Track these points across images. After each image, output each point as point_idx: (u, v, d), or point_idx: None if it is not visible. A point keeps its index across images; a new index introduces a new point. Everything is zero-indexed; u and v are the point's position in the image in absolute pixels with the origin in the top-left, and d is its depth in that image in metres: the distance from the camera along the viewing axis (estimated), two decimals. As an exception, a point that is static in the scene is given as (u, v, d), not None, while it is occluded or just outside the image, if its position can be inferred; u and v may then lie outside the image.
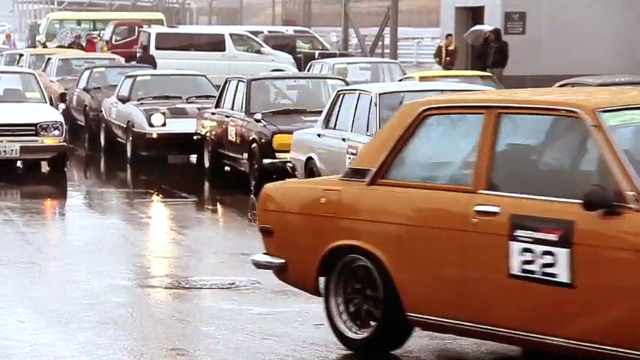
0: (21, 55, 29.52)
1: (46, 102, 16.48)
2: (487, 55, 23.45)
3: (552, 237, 5.90)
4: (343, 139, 12.08)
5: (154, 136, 16.75)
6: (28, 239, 11.25)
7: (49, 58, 24.35)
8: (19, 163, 16.21)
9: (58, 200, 14.38)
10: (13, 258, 10.27)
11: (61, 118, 15.85)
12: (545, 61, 26.98)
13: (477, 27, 24.98)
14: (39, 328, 7.65)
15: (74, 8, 60.93)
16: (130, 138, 17.28)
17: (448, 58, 24.92)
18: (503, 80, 21.64)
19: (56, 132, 15.53)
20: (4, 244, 11.10)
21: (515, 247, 6.03)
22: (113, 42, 35.62)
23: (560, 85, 15.36)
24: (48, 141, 15.50)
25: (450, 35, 26.02)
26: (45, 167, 16.15)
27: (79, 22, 42.74)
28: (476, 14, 28.35)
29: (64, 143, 15.76)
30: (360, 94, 12.22)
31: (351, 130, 12.05)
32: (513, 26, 26.34)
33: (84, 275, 9.49)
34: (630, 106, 6.24)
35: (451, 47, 25.27)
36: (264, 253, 7.35)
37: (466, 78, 17.60)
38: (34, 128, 15.47)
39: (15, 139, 15.40)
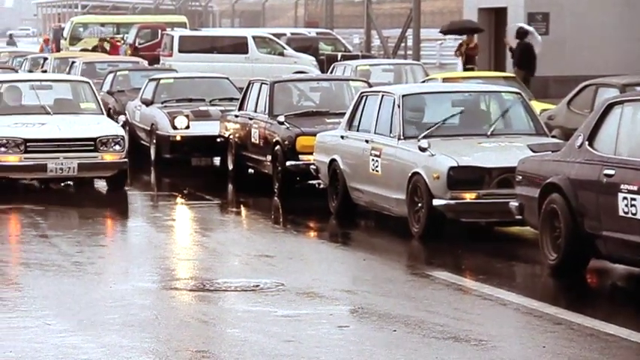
0: (45, 59, 29.65)
1: (103, 113, 15.07)
2: (514, 55, 23.40)
3: None
4: (366, 141, 12.08)
5: (178, 138, 16.78)
6: (53, 242, 11.31)
7: (73, 62, 24.43)
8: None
9: (83, 203, 14.38)
10: (38, 261, 10.33)
11: (122, 132, 14.42)
12: (568, 61, 26.84)
13: (518, 24, 24.79)
14: (65, 331, 7.69)
15: (98, 12, 61.17)
16: (154, 141, 17.32)
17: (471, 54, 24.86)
18: (529, 82, 21.48)
19: (117, 147, 14.07)
20: (30, 247, 11.16)
21: None
22: (136, 45, 35.71)
23: (585, 86, 15.32)
24: (108, 157, 14.05)
25: (469, 32, 25.84)
26: (98, 183, 14.87)
27: (102, 25, 42.89)
28: (499, 15, 28.25)
29: (126, 159, 14.26)
30: (383, 95, 12.21)
31: (375, 132, 12.04)
32: (537, 27, 26.17)
33: (109, 277, 9.53)
34: None
35: (472, 45, 25.22)
36: None
37: (489, 79, 17.55)
38: (92, 143, 14.03)
39: (72, 155, 13.95)
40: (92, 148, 14.02)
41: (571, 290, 9.12)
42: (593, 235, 8.95)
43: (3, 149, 13.95)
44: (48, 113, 14.66)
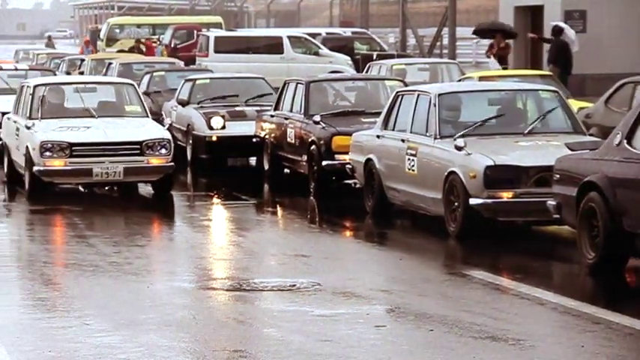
0: (82, 60, 29.83)
1: (148, 116, 14.69)
2: (549, 51, 23.27)
3: None
4: (402, 140, 12.06)
5: (214, 138, 16.82)
6: (91, 242, 11.38)
7: (110, 63, 24.56)
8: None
9: (119, 204, 14.45)
10: (76, 261, 10.39)
11: (168, 135, 14.02)
12: (606, 59, 26.66)
13: (556, 23, 24.61)
14: (103, 330, 7.73)
15: (134, 13, 61.47)
16: (190, 141, 17.38)
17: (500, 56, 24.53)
18: (566, 81, 21.34)
19: (163, 151, 13.72)
20: (68, 247, 11.24)
21: None
22: (174, 46, 35.84)
23: (623, 84, 15.22)
24: (154, 161, 13.71)
25: (498, 33, 25.31)
26: (142, 188, 14.49)
27: (138, 26, 43.07)
28: (535, 13, 28.12)
29: (172, 163, 13.91)
30: (419, 94, 12.18)
31: (411, 131, 12.02)
32: (574, 24, 26.02)
33: (146, 278, 9.57)
34: None
35: (502, 45, 24.84)
36: None
37: (526, 77, 17.46)
38: (138, 147, 13.71)
39: (118, 159, 13.62)
40: (138, 151, 13.70)
41: (609, 289, 9.06)
42: (632, 233, 8.88)
43: (48, 154, 13.68)
44: (92, 116, 14.35)
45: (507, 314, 8.08)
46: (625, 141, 9.12)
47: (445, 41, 33.78)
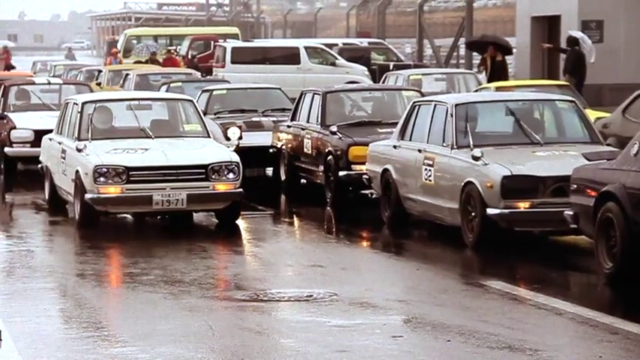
0: (99, 72, 29.96)
1: (209, 136, 13.14)
2: (565, 61, 23.16)
3: None
4: (419, 151, 12.06)
5: (231, 149, 16.83)
6: (108, 253, 11.40)
7: (127, 74, 24.63)
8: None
9: (136, 216, 14.45)
10: (94, 272, 10.42)
11: (236, 158, 12.42)
12: (623, 69, 26.59)
13: (571, 33, 24.50)
14: (121, 341, 7.75)
15: (151, 24, 61.70)
16: (207, 152, 17.37)
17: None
18: (580, 91, 21.29)
19: (231, 175, 12.22)
20: (85, 258, 11.26)
21: None
22: (191, 56, 35.92)
23: (639, 95, 15.17)
24: (221, 187, 12.20)
25: (492, 45, 24.51)
26: (200, 217, 13.17)
27: (155, 37, 43.18)
28: (552, 23, 28.08)
29: (241, 190, 12.39)
30: (435, 105, 12.19)
31: (428, 141, 12.02)
32: (591, 34, 25.96)
33: (163, 288, 9.59)
34: None
35: (499, 58, 23.80)
36: None
37: (543, 87, 17.44)
38: (203, 171, 12.19)
39: (181, 185, 12.06)
40: (203, 176, 12.19)
41: (627, 299, 9.02)
42: (650, 243, 8.85)
43: (102, 179, 12.10)
44: (149, 137, 12.76)
45: (525, 324, 8.06)
46: (642, 151, 9.09)
47: (462, 51, 33.77)
